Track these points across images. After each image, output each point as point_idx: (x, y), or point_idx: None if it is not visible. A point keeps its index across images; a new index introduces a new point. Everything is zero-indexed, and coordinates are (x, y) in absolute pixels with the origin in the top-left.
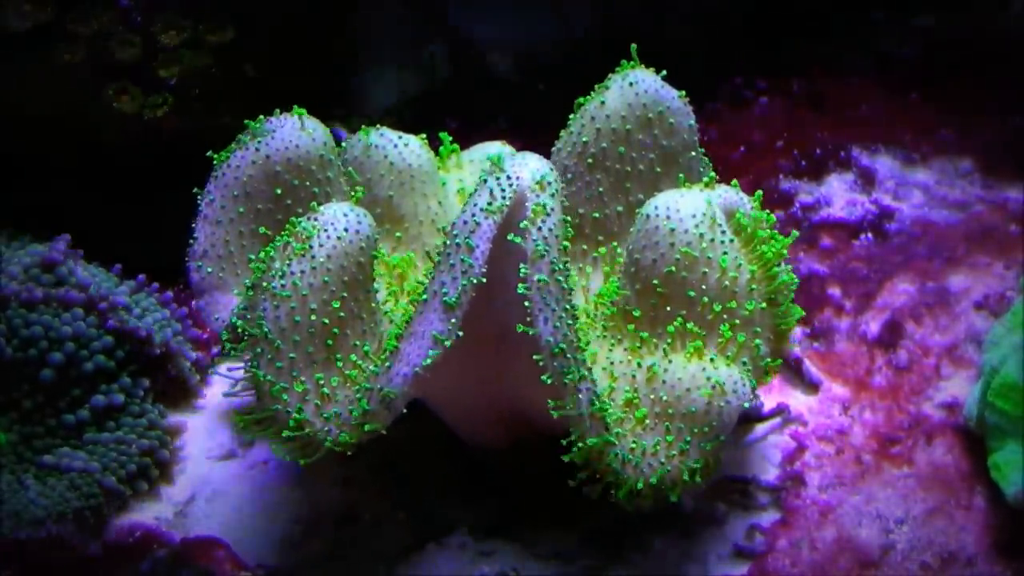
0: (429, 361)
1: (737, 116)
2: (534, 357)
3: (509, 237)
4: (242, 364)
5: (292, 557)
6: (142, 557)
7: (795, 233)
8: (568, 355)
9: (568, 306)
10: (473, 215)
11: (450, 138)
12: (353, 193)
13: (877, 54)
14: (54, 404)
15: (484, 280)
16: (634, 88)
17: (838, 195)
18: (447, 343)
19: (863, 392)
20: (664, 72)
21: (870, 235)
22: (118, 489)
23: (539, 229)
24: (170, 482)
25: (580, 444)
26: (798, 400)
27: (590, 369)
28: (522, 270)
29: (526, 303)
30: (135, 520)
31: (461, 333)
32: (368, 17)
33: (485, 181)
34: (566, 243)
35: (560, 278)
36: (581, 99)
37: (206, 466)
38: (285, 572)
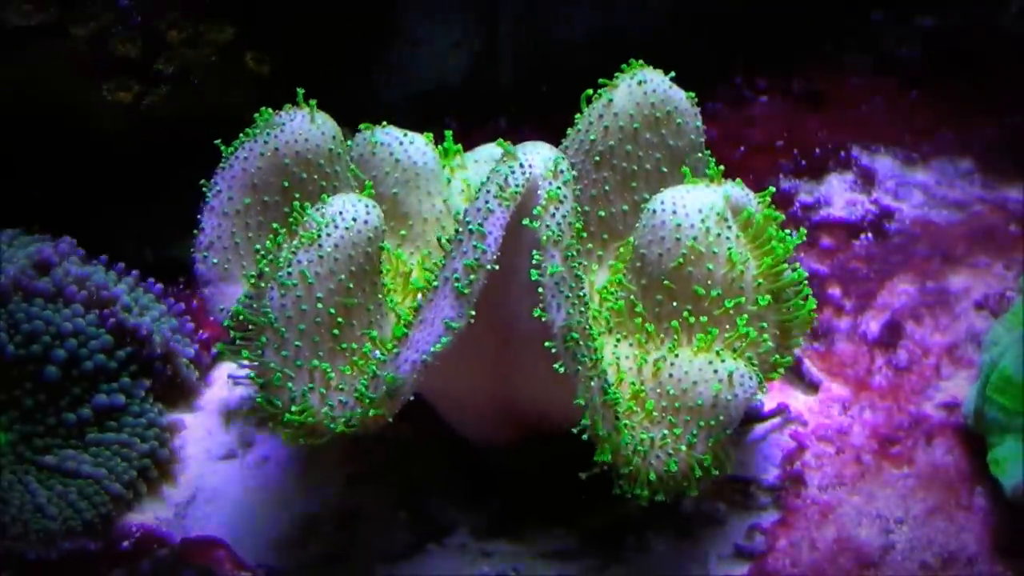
0: (440, 348)
1: (737, 116)
2: (546, 344)
3: (524, 222)
4: (244, 363)
5: (292, 557)
6: (142, 557)
7: (803, 231)
8: (581, 343)
9: (581, 293)
10: (486, 202)
11: (452, 137)
12: (360, 188)
13: (877, 54)
14: (55, 403)
15: (497, 267)
16: (643, 87)
17: (838, 195)
18: (459, 329)
19: (863, 392)
20: (673, 73)
21: (870, 235)
22: (124, 494)
23: (552, 216)
24: (171, 482)
25: (591, 429)
26: (798, 400)
27: (601, 359)
28: (535, 257)
29: (539, 290)
30: (135, 520)
31: (472, 320)
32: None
33: (498, 169)
34: (579, 225)
35: (573, 265)
36: (589, 91)
37: (206, 466)
38: (285, 572)
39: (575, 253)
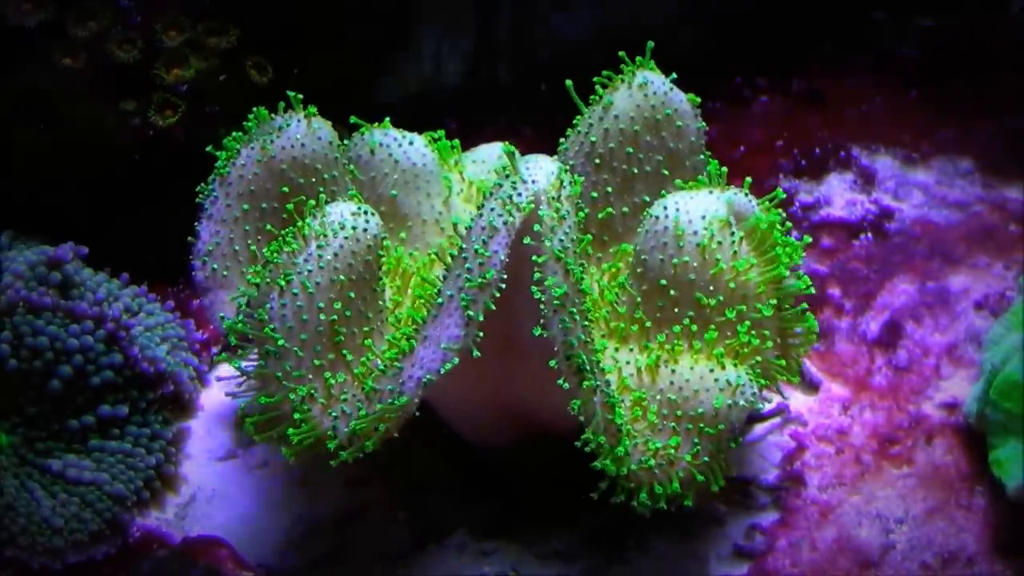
0: (445, 367)
1: (737, 116)
2: (550, 363)
3: (525, 241)
4: (241, 365)
5: (292, 557)
6: (143, 557)
7: (807, 238)
8: (583, 358)
9: (584, 308)
10: (491, 220)
11: (448, 138)
12: (360, 192)
13: (877, 54)
14: (59, 411)
15: (503, 286)
16: (643, 90)
17: (838, 195)
18: (464, 350)
19: (863, 392)
20: (674, 75)
21: (870, 235)
22: (128, 497)
23: (554, 232)
24: (173, 491)
25: (595, 444)
26: (798, 400)
27: (604, 372)
28: (536, 274)
29: (541, 306)
30: (135, 520)
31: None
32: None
33: (500, 185)
34: (588, 237)
35: (576, 280)
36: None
37: (206, 466)
38: (285, 572)
39: (578, 269)
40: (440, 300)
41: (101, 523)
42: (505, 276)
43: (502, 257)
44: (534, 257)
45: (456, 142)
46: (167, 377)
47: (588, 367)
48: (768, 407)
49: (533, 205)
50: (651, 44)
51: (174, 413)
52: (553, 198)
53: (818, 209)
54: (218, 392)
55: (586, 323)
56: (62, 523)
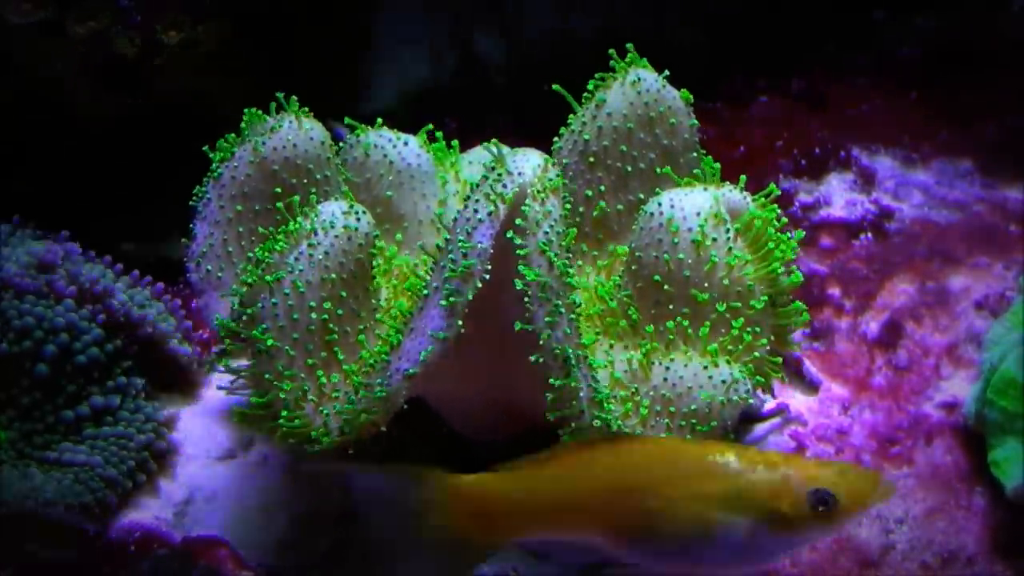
0: (428, 357)
1: (737, 116)
2: (531, 357)
3: (508, 235)
4: (240, 364)
5: (292, 557)
6: (142, 557)
7: (800, 232)
8: (569, 353)
9: (570, 303)
10: (475, 211)
11: (448, 138)
12: (355, 194)
13: (877, 54)
14: (52, 400)
15: (487, 277)
16: (636, 87)
17: (838, 195)
18: (448, 341)
19: (863, 392)
20: (666, 72)
21: (870, 235)
22: (120, 480)
23: (539, 225)
24: (169, 477)
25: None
26: (798, 400)
27: (592, 367)
28: (521, 267)
29: (526, 300)
30: (134, 520)
31: (463, 330)
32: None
33: (486, 177)
34: (572, 232)
35: (561, 274)
36: (589, 89)
37: (206, 466)
38: (285, 571)
39: (564, 263)
40: (426, 292)
41: (93, 499)
42: (490, 267)
43: (485, 247)
44: (518, 251)
45: (455, 142)
46: (155, 338)
47: (573, 361)
48: (768, 407)
49: (518, 197)
50: (630, 45)
51: (169, 390)
52: (539, 191)
53: (818, 209)
54: (217, 392)
55: (572, 317)
56: (54, 487)
